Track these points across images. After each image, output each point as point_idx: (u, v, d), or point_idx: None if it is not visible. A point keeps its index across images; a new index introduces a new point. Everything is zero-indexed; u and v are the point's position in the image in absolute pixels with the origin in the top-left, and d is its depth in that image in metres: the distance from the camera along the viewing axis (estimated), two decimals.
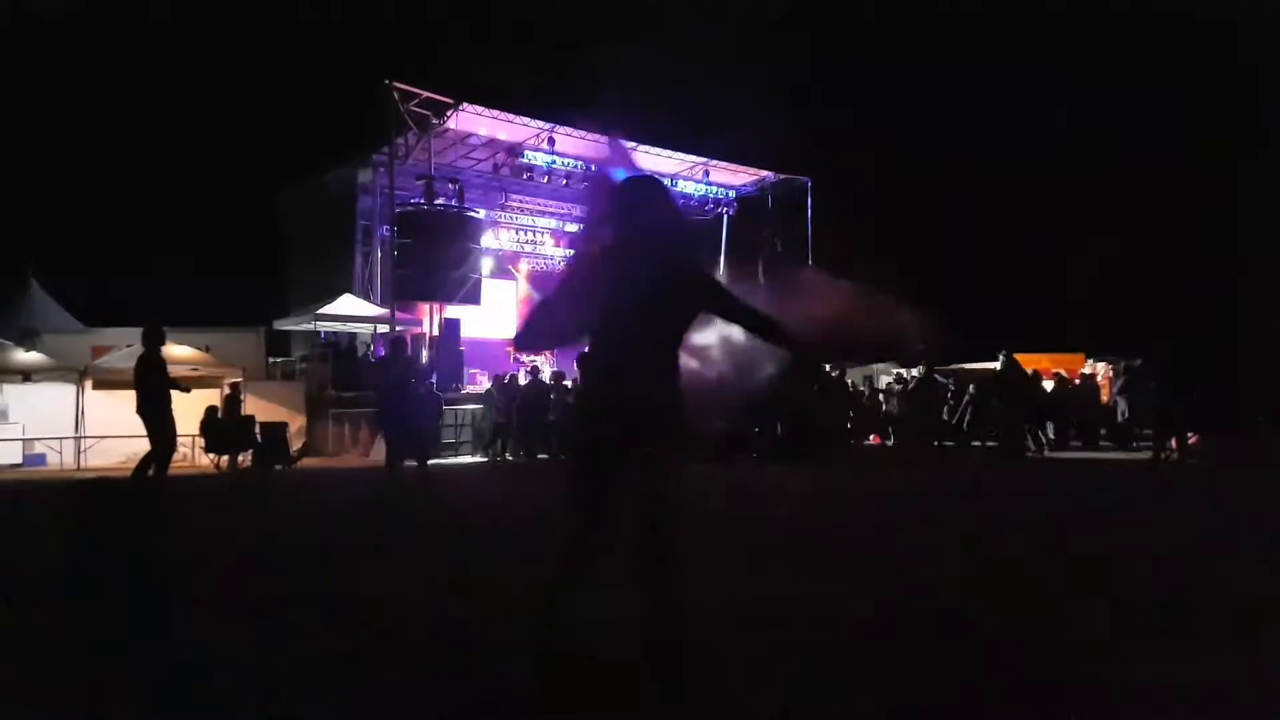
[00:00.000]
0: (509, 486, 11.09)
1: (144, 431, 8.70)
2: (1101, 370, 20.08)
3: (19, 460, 16.94)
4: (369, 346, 20.97)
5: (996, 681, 2.96)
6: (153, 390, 8.69)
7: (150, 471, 8.63)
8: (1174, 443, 11.74)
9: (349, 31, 31.30)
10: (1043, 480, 10.64)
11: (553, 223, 25.32)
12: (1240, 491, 8.83)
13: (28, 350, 17.24)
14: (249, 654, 3.38)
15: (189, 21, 29.91)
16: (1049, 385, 17.30)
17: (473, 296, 20.80)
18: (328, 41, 32.84)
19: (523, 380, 16.81)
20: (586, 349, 3.00)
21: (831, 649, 3.35)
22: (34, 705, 2.90)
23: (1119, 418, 15.88)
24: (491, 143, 22.09)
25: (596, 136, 22.24)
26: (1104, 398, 18.13)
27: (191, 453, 16.31)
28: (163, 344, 9.21)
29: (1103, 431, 17.08)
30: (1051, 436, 16.19)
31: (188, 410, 11.12)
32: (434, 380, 16.14)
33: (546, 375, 17.30)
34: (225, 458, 14.68)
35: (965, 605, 4.00)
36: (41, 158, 28.48)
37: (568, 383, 16.41)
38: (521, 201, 24.51)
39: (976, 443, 17.13)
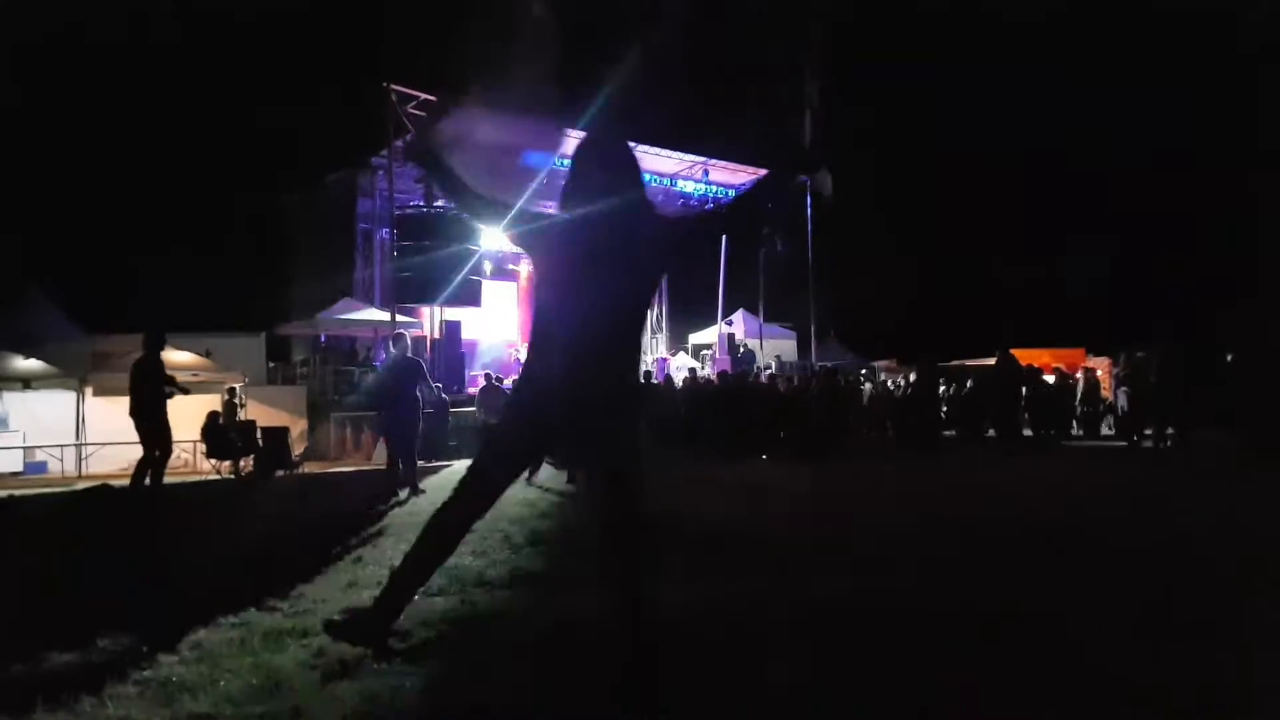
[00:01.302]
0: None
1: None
2: (1102, 365, 20.08)
3: (20, 468, 16.95)
4: (370, 350, 20.98)
5: (998, 682, 2.95)
6: (149, 395, 8.72)
7: (148, 479, 8.64)
8: (1175, 436, 11.73)
9: (346, 34, 31.28)
10: (1041, 476, 10.62)
11: None
12: (1240, 487, 8.80)
13: (28, 357, 17.25)
14: (247, 656, 3.36)
15: (188, 25, 29.91)
16: (1050, 380, 17.30)
17: (473, 298, 20.80)
18: (326, 45, 32.86)
19: None
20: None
21: (831, 650, 3.33)
22: (36, 706, 2.89)
23: (1119, 411, 15.85)
24: None
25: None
26: (1104, 393, 18.12)
27: (193, 458, 16.32)
28: (163, 349, 9.23)
29: (1108, 429, 17.06)
30: (1051, 432, 16.18)
31: (189, 416, 11.15)
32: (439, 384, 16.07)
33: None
34: (227, 463, 14.67)
35: (966, 605, 3.98)
36: (41, 162, 28.48)
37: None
38: None
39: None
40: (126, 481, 9.32)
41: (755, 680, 2.97)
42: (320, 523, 7.90)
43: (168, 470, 9.48)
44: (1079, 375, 18.71)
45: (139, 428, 8.70)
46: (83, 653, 3.54)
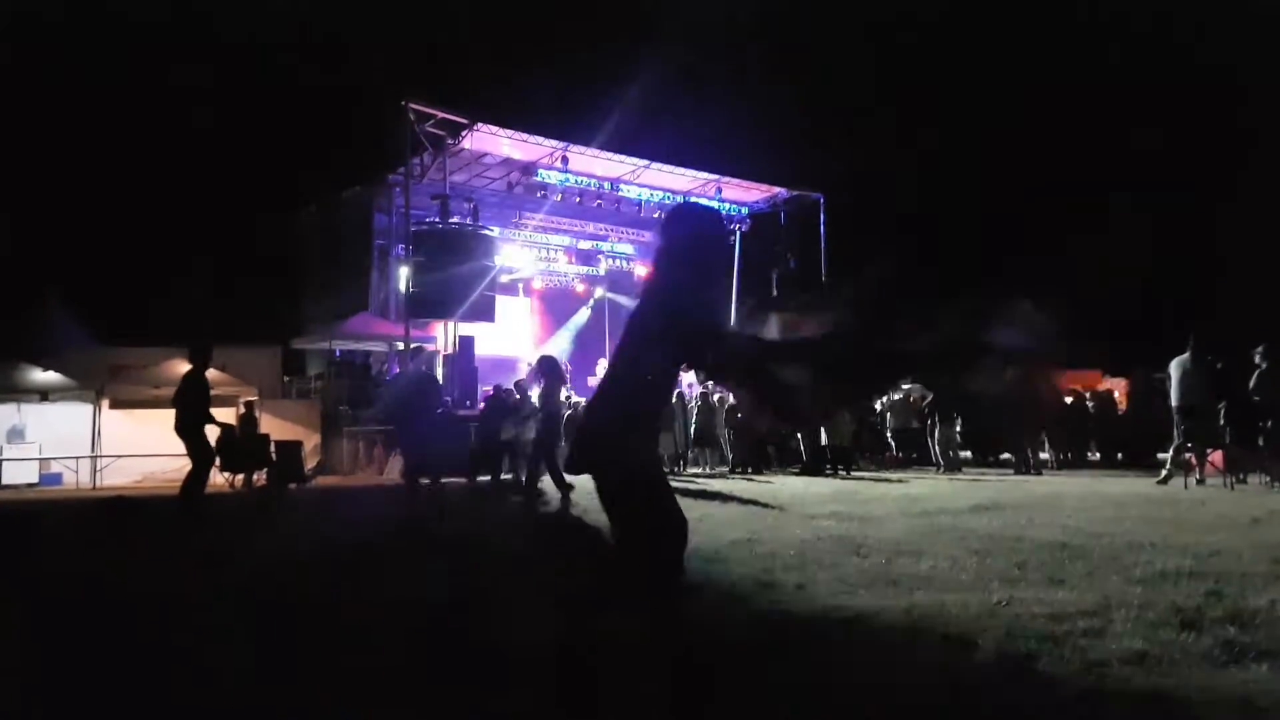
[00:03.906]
0: (516, 503, 11.05)
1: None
2: (1119, 386, 19.95)
3: (35, 479, 17.07)
4: (384, 365, 21.06)
5: (1001, 688, 2.91)
6: (194, 410, 8.90)
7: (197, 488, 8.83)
8: (1193, 459, 11.58)
9: (366, 53, 31.59)
10: (1054, 493, 10.51)
11: (566, 240, 25.58)
12: (1252, 506, 8.68)
13: (45, 369, 17.38)
14: (254, 667, 3.36)
15: (208, 41, 30.31)
16: (1068, 400, 17.19)
17: (487, 313, 20.87)
18: (345, 63, 33.21)
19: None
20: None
21: (835, 655, 3.30)
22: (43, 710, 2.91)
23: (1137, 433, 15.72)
24: (506, 162, 22.24)
25: (609, 155, 22.49)
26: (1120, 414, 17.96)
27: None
28: (209, 364, 9.40)
29: (1120, 456, 16.89)
30: (1066, 453, 16.10)
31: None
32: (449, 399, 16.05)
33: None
34: (240, 476, 14.71)
35: (967, 609, 3.94)
36: (61, 174, 28.81)
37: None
38: (535, 219, 24.62)
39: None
40: (143, 494, 9.37)
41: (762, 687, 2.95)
42: (331, 537, 7.91)
43: (177, 481, 9.58)
44: (1094, 396, 18.57)
45: (185, 442, 8.89)
46: (91, 655, 3.54)
